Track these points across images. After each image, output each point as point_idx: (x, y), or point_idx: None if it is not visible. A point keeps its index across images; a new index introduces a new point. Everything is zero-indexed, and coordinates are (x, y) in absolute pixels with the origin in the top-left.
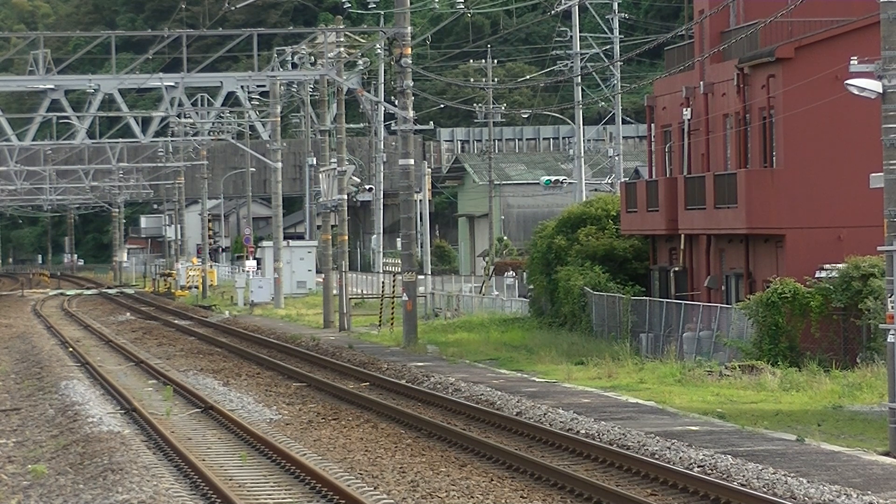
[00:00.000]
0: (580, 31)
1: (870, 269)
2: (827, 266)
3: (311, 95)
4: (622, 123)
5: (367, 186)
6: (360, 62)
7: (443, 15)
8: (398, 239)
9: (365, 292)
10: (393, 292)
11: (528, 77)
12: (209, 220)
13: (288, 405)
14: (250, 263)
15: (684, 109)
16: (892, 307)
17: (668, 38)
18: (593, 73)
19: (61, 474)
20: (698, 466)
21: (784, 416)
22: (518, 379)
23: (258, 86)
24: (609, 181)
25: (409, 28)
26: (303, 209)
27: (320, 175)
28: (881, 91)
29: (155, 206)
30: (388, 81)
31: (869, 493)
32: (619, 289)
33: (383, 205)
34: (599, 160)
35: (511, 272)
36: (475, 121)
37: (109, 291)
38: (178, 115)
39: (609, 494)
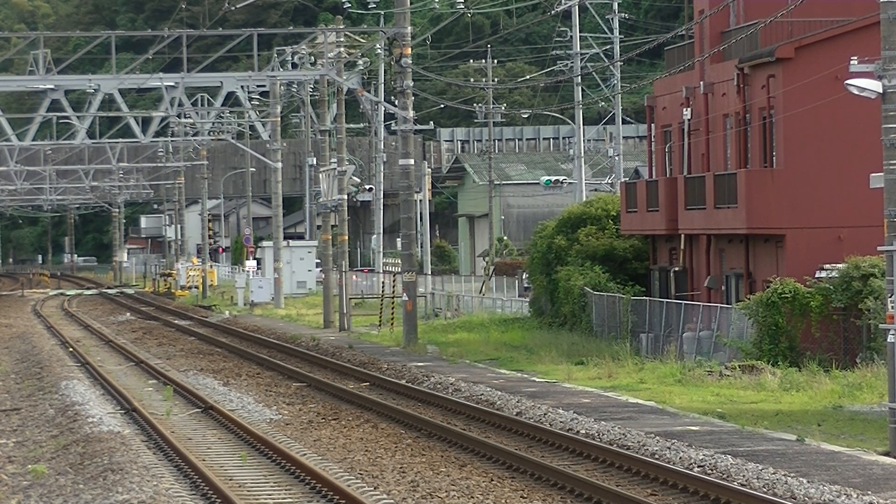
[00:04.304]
0: (580, 31)
1: (870, 269)
2: (827, 266)
3: (311, 95)
4: (622, 123)
5: (367, 186)
6: (360, 62)
7: (443, 15)
8: (398, 239)
9: (365, 292)
10: (393, 292)
11: (528, 77)
12: (209, 220)
13: (288, 405)
14: (250, 263)
15: (684, 109)
16: (892, 307)
17: (668, 38)
18: (593, 73)
19: (61, 474)
20: (698, 466)
21: (784, 416)
22: (518, 379)
23: (258, 86)
24: (609, 181)
25: (409, 28)
26: (303, 209)
27: (320, 175)
28: (881, 91)
29: (155, 206)
30: (388, 81)
31: (869, 493)
32: (619, 289)
33: (383, 205)
34: (599, 160)
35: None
36: (475, 121)
37: (109, 291)
38: (178, 115)
39: (609, 494)
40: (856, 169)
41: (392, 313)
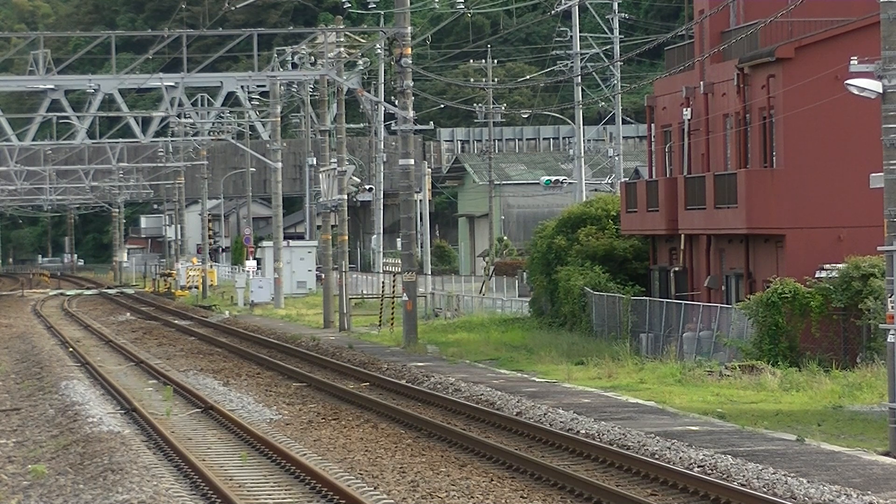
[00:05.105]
0: (580, 31)
1: (870, 269)
2: (827, 266)
3: (311, 95)
4: (622, 123)
5: (367, 186)
6: (360, 62)
7: (443, 15)
8: (398, 239)
9: (365, 292)
10: (393, 292)
11: (528, 77)
12: (209, 220)
13: (288, 405)
14: (250, 263)
15: (684, 109)
16: (892, 307)
17: (668, 38)
18: (593, 73)
19: (61, 474)
20: (698, 466)
21: (784, 416)
22: (518, 379)
23: (258, 86)
24: (609, 181)
25: (409, 28)
26: (303, 209)
27: (320, 175)
28: (881, 91)
29: (155, 206)
30: (388, 81)
31: (869, 493)
32: (619, 289)
33: (383, 205)
34: (599, 160)
35: None
36: (475, 121)
37: (109, 291)
38: (178, 115)
39: (609, 494)
40: (856, 169)
41: (392, 313)
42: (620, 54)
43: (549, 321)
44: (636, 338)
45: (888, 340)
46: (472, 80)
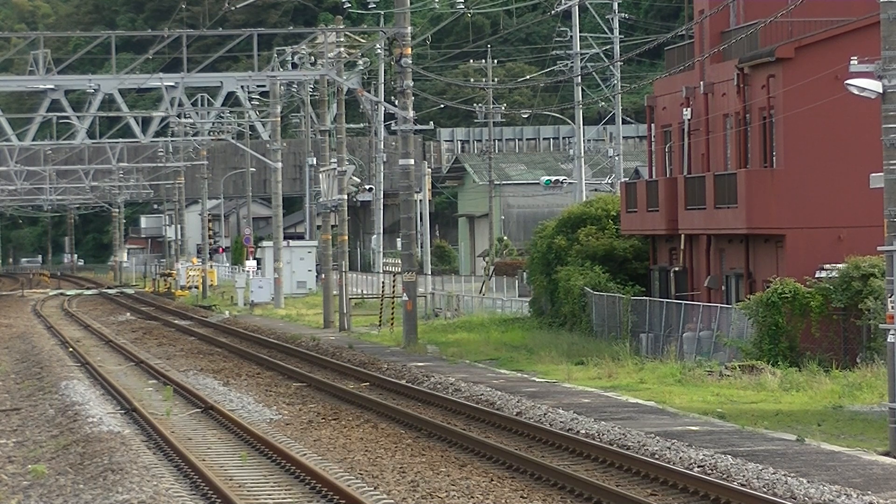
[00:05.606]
0: (580, 31)
1: (870, 269)
2: (827, 266)
3: (311, 95)
4: (622, 123)
5: (367, 186)
6: (360, 62)
7: (443, 15)
8: (398, 239)
9: (365, 292)
10: (393, 292)
11: (528, 77)
12: (209, 220)
13: (288, 405)
14: (250, 263)
15: (684, 109)
16: (892, 307)
17: (668, 38)
18: (593, 73)
19: (61, 474)
20: (698, 466)
21: (784, 416)
22: (518, 379)
23: (258, 86)
24: (609, 181)
25: (409, 28)
26: (303, 209)
27: (320, 175)
28: (881, 91)
29: (155, 206)
30: (388, 81)
31: (869, 493)
32: (619, 289)
33: (383, 205)
34: (599, 160)
35: None
36: (475, 121)
37: (109, 291)
38: (178, 115)
39: (609, 494)
40: (856, 169)
41: (392, 313)
42: (620, 54)
43: (549, 321)
44: (636, 338)
45: (888, 340)
46: (472, 80)
